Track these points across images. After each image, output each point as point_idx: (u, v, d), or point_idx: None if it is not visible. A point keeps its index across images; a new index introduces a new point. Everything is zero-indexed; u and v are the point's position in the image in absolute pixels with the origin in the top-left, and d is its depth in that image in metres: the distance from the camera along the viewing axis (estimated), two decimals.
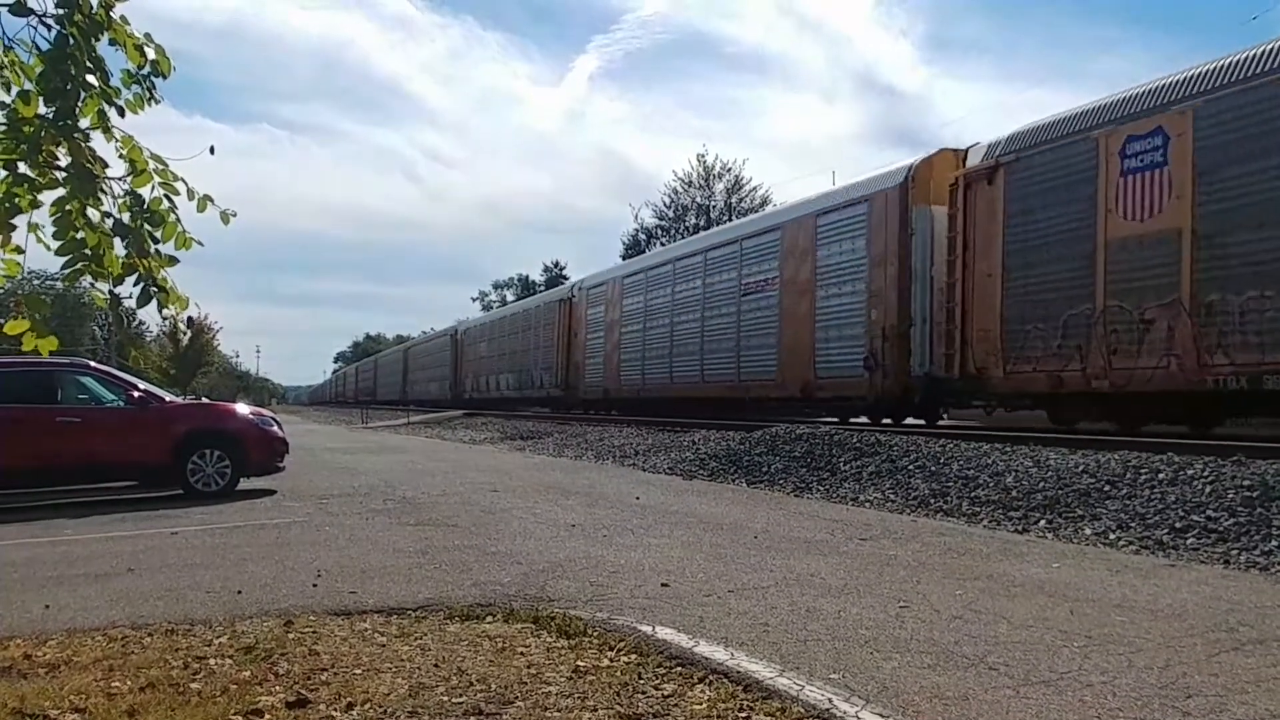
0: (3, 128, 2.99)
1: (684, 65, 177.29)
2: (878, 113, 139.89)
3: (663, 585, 5.38)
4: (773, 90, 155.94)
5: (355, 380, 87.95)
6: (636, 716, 3.28)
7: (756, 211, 48.59)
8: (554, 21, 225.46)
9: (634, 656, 3.96)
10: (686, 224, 59.22)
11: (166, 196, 3.07)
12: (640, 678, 3.69)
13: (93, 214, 3.01)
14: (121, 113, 3.07)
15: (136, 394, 11.07)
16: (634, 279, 24.94)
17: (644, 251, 54.87)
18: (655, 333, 23.02)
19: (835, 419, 16.87)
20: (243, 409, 12.47)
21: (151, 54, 3.12)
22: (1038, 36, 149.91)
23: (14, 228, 3.00)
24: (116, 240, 3.03)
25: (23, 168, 2.97)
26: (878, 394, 14.91)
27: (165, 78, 3.18)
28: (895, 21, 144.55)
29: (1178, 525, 6.79)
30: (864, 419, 16.16)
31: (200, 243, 3.18)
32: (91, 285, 3.11)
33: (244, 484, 11.38)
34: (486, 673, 3.77)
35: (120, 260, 3.04)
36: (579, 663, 3.88)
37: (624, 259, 56.31)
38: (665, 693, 3.52)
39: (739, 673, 3.67)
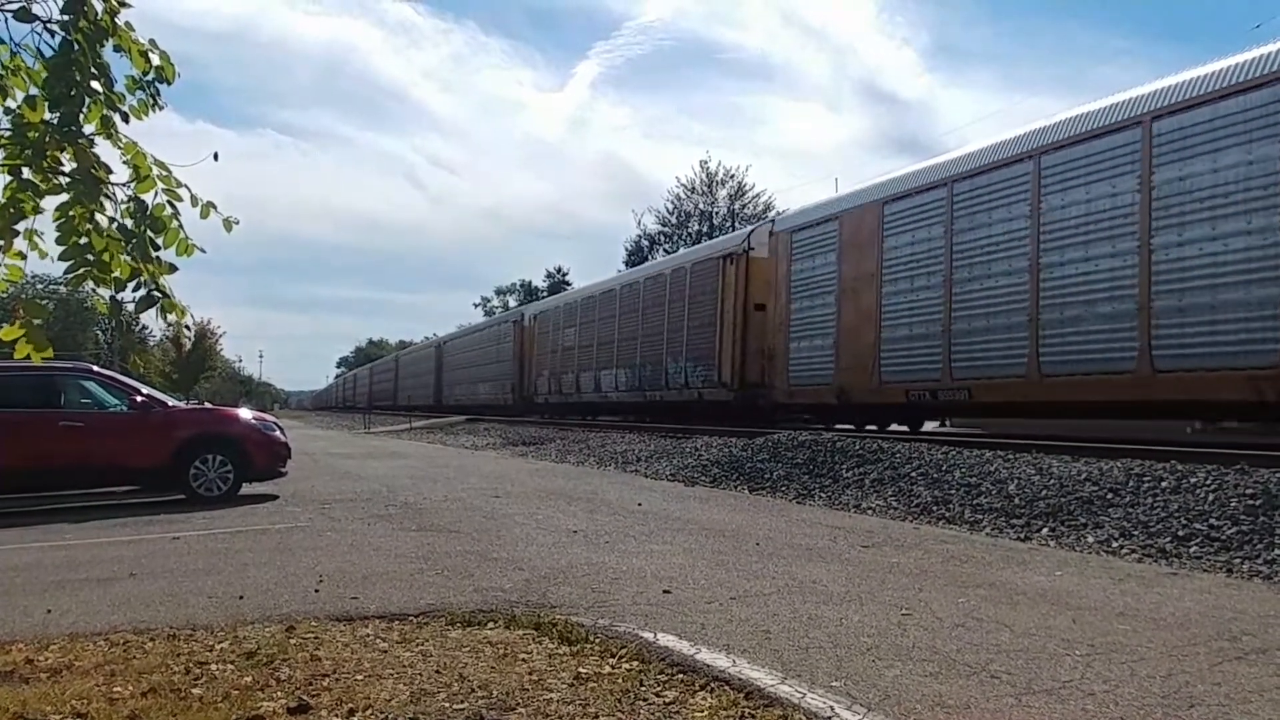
0: (7, 133, 3.00)
1: (686, 72, 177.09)
2: (880, 120, 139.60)
3: (664, 592, 5.37)
4: (775, 97, 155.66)
5: (370, 383, 78.37)
6: None
7: (760, 219, 48.20)
8: (556, 27, 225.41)
9: (635, 663, 3.96)
10: (689, 230, 59.33)
11: (170, 203, 3.07)
12: (642, 685, 3.68)
13: (100, 219, 3.01)
14: (126, 119, 3.08)
15: (139, 398, 11.08)
16: (912, 203, 14.47)
17: (648, 259, 54.49)
18: (979, 286, 12.95)
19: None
20: (245, 414, 12.48)
21: (156, 60, 3.13)
22: (1041, 46, 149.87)
23: (17, 233, 3.01)
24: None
25: (26, 173, 2.97)
26: None
27: (170, 83, 3.18)
28: (898, 30, 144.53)
29: (1180, 533, 6.78)
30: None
31: (202, 249, 3.18)
32: (93, 291, 3.12)
33: (246, 489, 11.39)
34: (488, 679, 3.76)
35: (128, 265, 3.04)
36: (580, 669, 3.88)
37: (628, 265, 56.08)
38: (667, 700, 3.51)
39: (741, 680, 3.67)
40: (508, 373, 36.27)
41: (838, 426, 15.85)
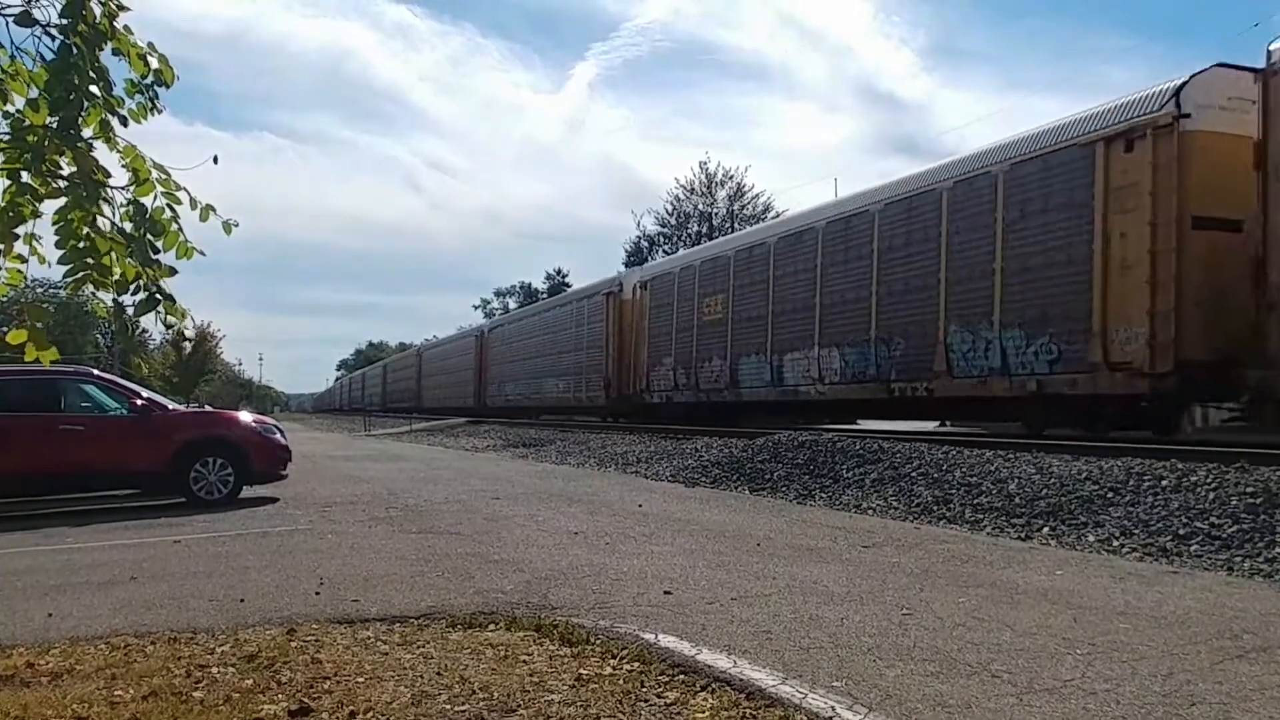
0: (6, 137, 2.99)
1: (684, 74, 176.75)
2: (878, 121, 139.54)
3: (665, 593, 5.37)
4: (774, 99, 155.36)
5: (383, 382, 69.92)
6: None
7: (760, 221, 48.14)
8: (553, 29, 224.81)
9: (636, 665, 3.96)
10: (689, 231, 59.35)
11: (169, 206, 3.07)
12: (643, 686, 3.68)
13: (102, 222, 3.01)
14: (125, 122, 3.08)
15: (139, 402, 11.09)
16: None
17: (648, 260, 54.46)
18: None
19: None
20: (245, 417, 12.49)
21: (155, 63, 3.13)
22: (1040, 46, 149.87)
23: (17, 237, 3.01)
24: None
25: (25, 177, 2.97)
26: None
27: (168, 87, 3.18)
28: (895, 31, 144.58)
29: (1181, 532, 6.78)
30: None
31: (202, 253, 3.18)
32: (94, 294, 3.11)
33: (247, 492, 11.38)
34: (489, 681, 3.76)
35: (131, 267, 3.04)
36: (581, 671, 3.88)
37: (627, 266, 56.10)
38: (668, 701, 3.51)
39: (742, 680, 3.67)
40: (596, 363, 27.02)
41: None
